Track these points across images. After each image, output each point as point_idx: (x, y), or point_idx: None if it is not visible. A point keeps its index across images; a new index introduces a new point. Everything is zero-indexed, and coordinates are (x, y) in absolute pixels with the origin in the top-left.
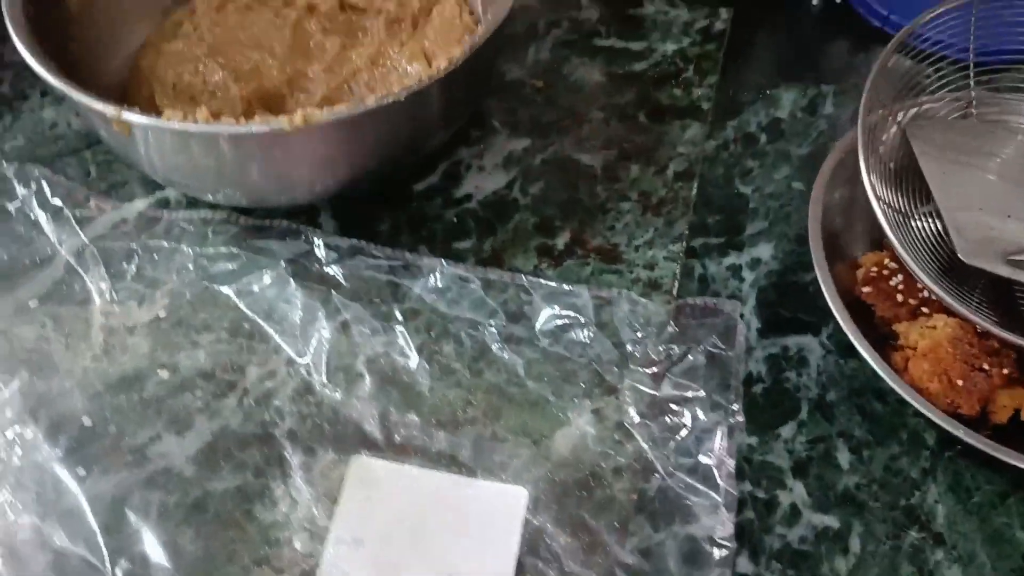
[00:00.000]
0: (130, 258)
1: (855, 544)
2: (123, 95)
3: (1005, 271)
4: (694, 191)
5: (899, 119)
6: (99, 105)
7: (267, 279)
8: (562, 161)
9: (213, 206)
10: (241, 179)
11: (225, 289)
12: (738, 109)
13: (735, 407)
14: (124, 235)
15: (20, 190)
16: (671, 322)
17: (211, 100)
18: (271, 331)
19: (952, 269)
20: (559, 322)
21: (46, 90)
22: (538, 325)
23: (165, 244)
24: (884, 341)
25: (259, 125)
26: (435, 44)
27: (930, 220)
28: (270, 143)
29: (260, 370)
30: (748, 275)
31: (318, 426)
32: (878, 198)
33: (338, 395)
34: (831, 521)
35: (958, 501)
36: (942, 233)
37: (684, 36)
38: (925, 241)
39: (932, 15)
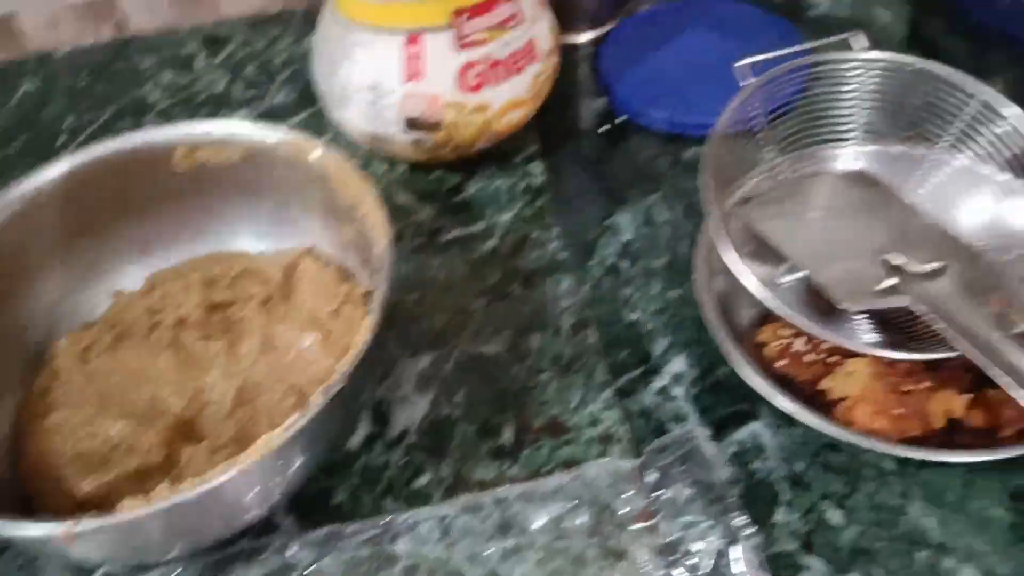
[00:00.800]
0: None
1: None
2: (17, 492)
3: (881, 303)
4: (595, 338)
5: (731, 204)
6: (50, 528)
7: None
8: (469, 360)
9: (163, 562)
10: (201, 530)
11: None
12: (592, 248)
13: (741, 520)
14: None
15: None
16: (653, 469)
17: (126, 456)
18: None
19: (832, 311)
20: (548, 517)
21: None
22: (532, 527)
23: None
24: (813, 401)
25: (228, 469)
26: (316, 306)
27: (787, 280)
28: (240, 479)
29: None
30: (677, 391)
31: None
32: (761, 283)
33: None
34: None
35: (938, 508)
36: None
37: (512, 202)
38: (798, 300)
39: (733, 108)
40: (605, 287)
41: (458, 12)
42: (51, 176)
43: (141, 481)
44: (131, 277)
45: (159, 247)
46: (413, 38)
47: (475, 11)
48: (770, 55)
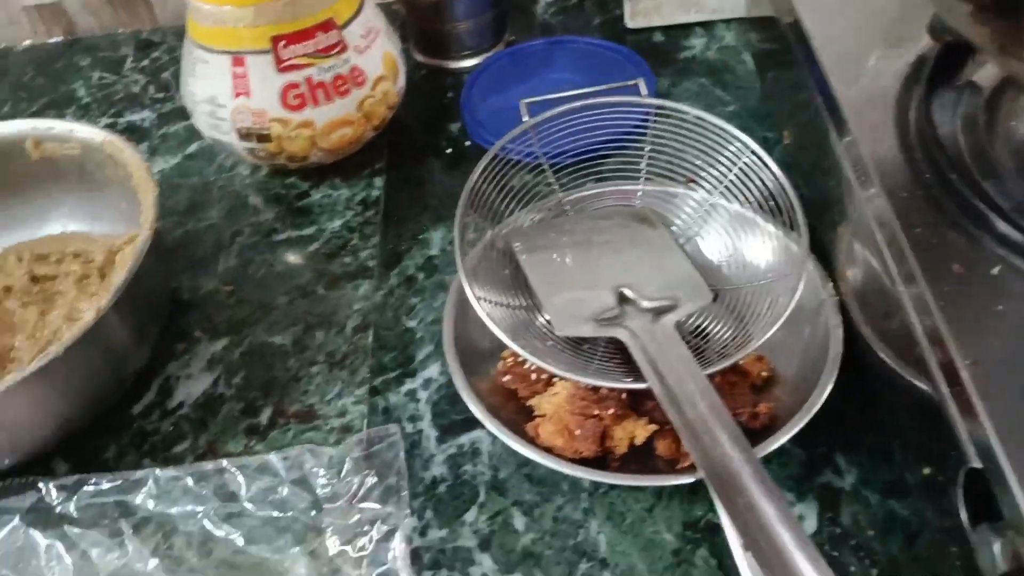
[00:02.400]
0: None
1: None
2: None
3: (591, 331)
4: (370, 339)
5: (504, 232)
6: None
7: (5, 534)
8: (257, 348)
9: None
10: None
11: None
12: (399, 258)
13: (406, 511)
14: None
15: None
16: (349, 459)
17: None
18: None
19: (579, 343)
20: (259, 488)
21: None
22: (244, 497)
23: None
24: (531, 417)
25: None
26: None
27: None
28: None
29: None
30: (423, 394)
31: None
32: (480, 299)
33: None
34: None
35: (615, 526)
36: None
37: (347, 211)
38: (549, 328)
39: (503, 142)
40: (396, 295)
41: (276, 39)
42: None
43: None
44: None
45: (14, 225)
46: (239, 60)
47: (292, 39)
48: (552, 96)
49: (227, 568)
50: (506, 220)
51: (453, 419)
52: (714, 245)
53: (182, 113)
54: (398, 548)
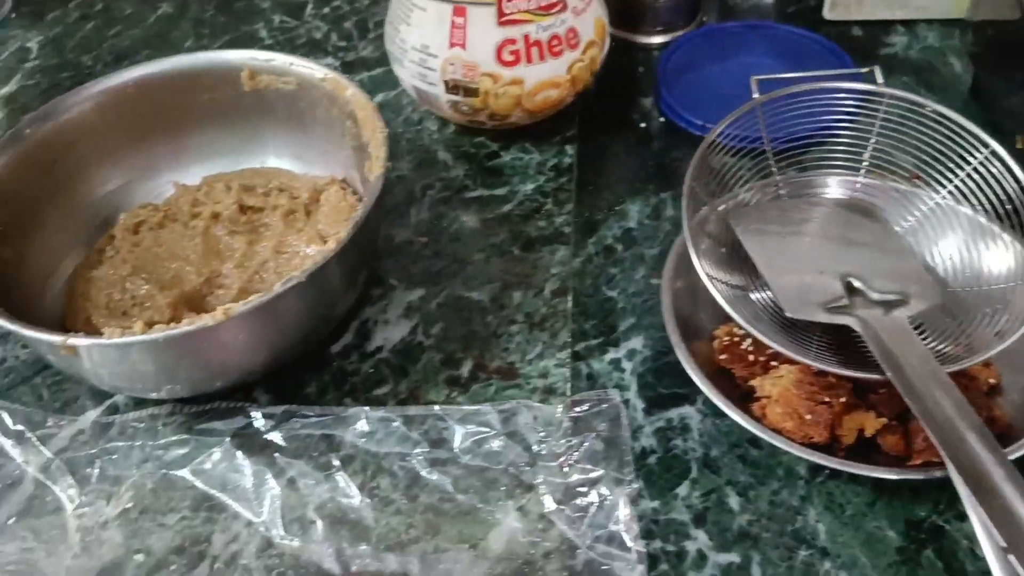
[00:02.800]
0: (92, 463)
1: (756, 572)
2: (62, 322)
3: (824, 317)
4: (570, 304)
5: (720, 210)
6: (46, 336)
7: (216, 456)
8: (454, 301)
9: (158, 402)
10: (178, 375)
11: (181, 472)
12: (595, 227)
13: (630, 477)
14: (83, 444)
15: None
16: (566, 419)
17: (142, 311)
18: (228, 500)
19: (794, 325)
20: (474, 439)
21: None
22: (456, 445)
23: (121, 444)
24: (747, 397)
25: (186, 326)
26: (327, 225)
27: (766, 290)
28: (200, 339)
29: (224, 536)
30: (627, 365)
31: (282, 574)
32: (710, 278)
33: (296, 543)
34: (733, 557)
35: (834, 517)
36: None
37: (539, 175)
38: (765, 308)
39: (730, 120)
40: (595, 264)
41: None
42: (132, 76)
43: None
44: (192, 174)
45: (218, 154)
46: (460, 9)
47: None
48: (784, 75)
49: (434, 514)
50: (722, 198)
51: (660, 392)
52: (936, 245)
53: (365, 63)
54: (623, 513)
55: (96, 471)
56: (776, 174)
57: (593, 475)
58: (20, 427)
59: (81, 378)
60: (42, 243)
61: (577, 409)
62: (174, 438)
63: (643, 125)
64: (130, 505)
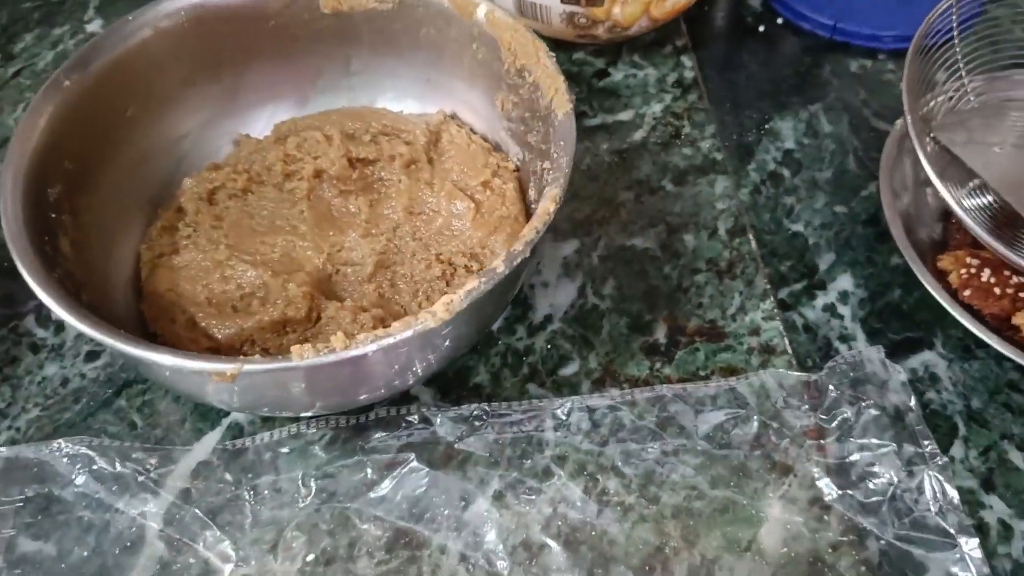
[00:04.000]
0: (235, 506)
1: None
2: (140, 321)
3: None
4: (753, 244)
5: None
6: (214, 365)
7: (400, 477)
8: (618, 252)
9: (294, 418)
10: (358, 388)
11: (358, 504)
12: (749, 151)
13: (931, 448)
14: (215, 482)
15: (70, 472)
16: (830, 386)
17: (265, 306)
18: (427, 532)
19: (1014, 244)
20: (715, 421)
21: (37, 344)
22: (699, 431)
23: (267, 477)
24: (998, 335)
25: (403, 330)
26: (464, 176)
27: (977, 197)
28: (412, 345)
29: None
30: (844, 311)
31: None
32: (962, 207)
33: (532, 575)
34: None
35: None
36: (994, 206)
37: (663, 93)
38: (982, 226)
39: (936, 15)
40: (765, 194)
41: None
42: (183, 4)
43: (279, 334)
44: (256, 123)
45: (289, 96)
46: None
47: None
48: None
49: (685, 515)
50: (919, 103)
51: (891, 339)
52: None
53: None
54: (936, 491)
55: (246, 515)
56: (964, 77)
57: (882, 450)
58: (120, 468)
59: (202, 399)
60: (95, 221)
61: (833, 373)
62: (338, 461)
63: (762, 28)
64: (309, 556)
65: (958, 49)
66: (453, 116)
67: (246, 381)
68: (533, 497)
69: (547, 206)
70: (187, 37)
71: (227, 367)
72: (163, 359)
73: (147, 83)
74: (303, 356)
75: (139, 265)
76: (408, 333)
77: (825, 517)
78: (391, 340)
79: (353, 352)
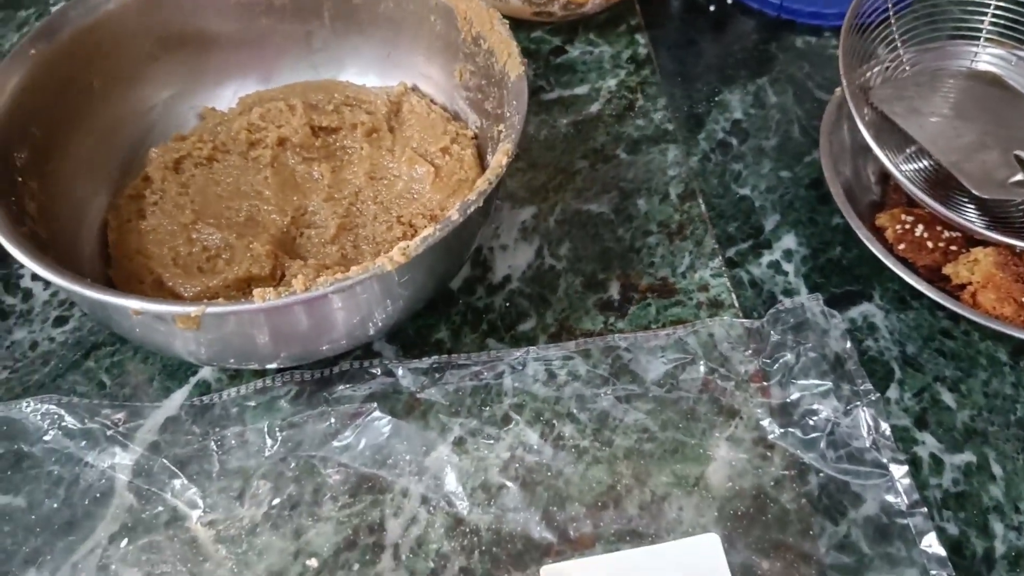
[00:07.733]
0: (203, 456)
1: (997, 469)
2: (108, 284)
3: (1016, 194)
4: (703, 207)
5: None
6: (179, 308)
7: (364, 426)
8: (574, 216)
9: (258, 372)
10: (321, 336)
11: (323, 452)
12: (699, 121)
13: (865, 386)
14: (183, 435)
15: (39, 429)
16: (772, 332)
17: (230, 265)
18: (390, 478)
19: (945, 203)
20: (665, 368)
21: (5, 310)
22: (650, 377)
23: (234, 428)
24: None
25: (359, 275)
26: (424, 143)
27: (914, 161)
28: (367, 289)
29: (399, 520)
30: (787, 267)
31: (487, 553)
32: (896, 167)
33: (491, 514)
34: (968, 457)
35: None
36: (928, 168)
37: (618, 68)
38: (917, 186)
39: None
40: (714, 161)
41: None
42: None
43: (244, 292)
44: (222, 98)
45: (254, 72)
46: None
47: None
48: None
49: (637, 456)
50: (856, 73)
51: (833, 292)
52: None
53: None
54: (870, 425)
55: (213, 465)
56: (900, 48)
57: (819, 389)
58: (89, 424)
59: (170, 352)
60: (61, 189)
61: (774, 320)
62: (302, 412)
63: (712, 8)
64: (275, 501)
65: (894, 24)
66: (414, 88)
67: (213, 330)
68: (492, 443)
69: (499, 159)
70: (149, 13)
71: (191, 309)
72: (130, 303)
73: (112, 56)
74: (265, 298)
75: (106, 233)
76: (365, 275)
77: (768, 454)
78: (349, 282)
79: (313, 293)
